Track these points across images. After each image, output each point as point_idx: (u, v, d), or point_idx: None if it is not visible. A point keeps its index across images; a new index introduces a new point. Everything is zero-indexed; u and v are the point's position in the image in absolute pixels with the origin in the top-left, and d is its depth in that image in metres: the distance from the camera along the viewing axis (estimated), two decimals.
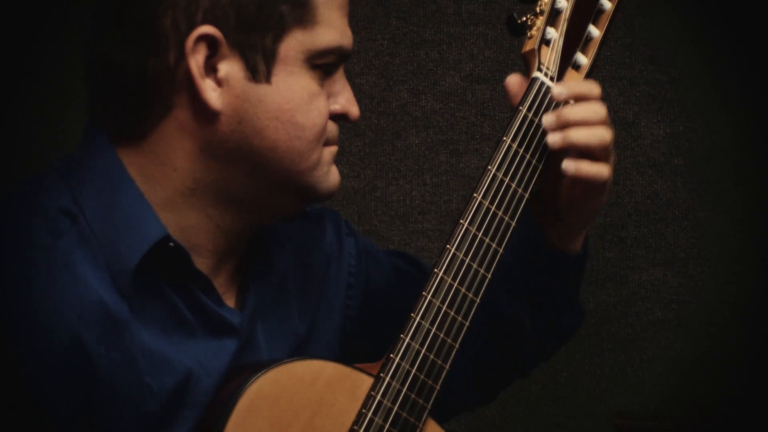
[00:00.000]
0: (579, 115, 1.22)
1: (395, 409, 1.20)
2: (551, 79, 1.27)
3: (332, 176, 1.20)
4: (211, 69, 1.14)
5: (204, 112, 1.14)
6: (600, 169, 1.23)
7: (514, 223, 1.25)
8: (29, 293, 1.09)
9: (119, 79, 1.14)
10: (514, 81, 1.26)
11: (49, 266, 1.11)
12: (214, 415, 1.16)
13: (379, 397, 1.20)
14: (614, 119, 2.04)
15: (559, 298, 1.31)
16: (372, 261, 1.36)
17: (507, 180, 1.25)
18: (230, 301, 1.22)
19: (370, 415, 1.20)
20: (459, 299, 1.22)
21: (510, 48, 2.00)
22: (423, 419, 1.22)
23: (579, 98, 1.23)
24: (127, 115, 1.15)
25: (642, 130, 2.03)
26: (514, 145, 1.25)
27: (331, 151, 1.20)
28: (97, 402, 1.11)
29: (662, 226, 2.02)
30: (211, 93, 1.14)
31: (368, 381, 1.21)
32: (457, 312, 1.22)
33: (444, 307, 1.22)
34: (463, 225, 1.23)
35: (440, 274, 1.23)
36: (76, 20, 1.85)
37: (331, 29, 1.16)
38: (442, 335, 1.22)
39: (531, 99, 1.26)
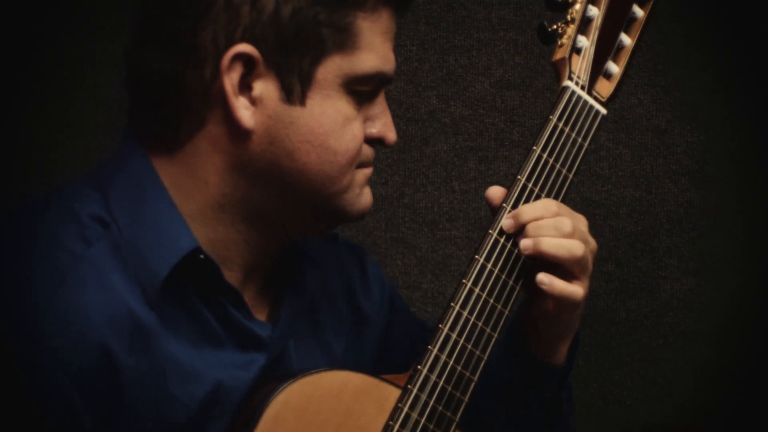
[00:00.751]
0: (545, 229, 1.18)
1: (423, 421, 1.19)
2: (582, 87, 1.26)
3: (363, 198, 1.19)
4: (245, 87, 1.13)
5: (236, 130, 1.14)
6: (575, 290, 1.20)
7: None
8: (59, 301, 1.09)
9: (156, 90, 1.14)
10: (494, 192, 1.22)
11: (79, 274, 1.10)
12: (240, 426, 1.16)
13: (406, 409, 1.19)
14: (647, 126, 2.04)
15: (538, 411, 1.27)
16: (397, 308, 1.36)
17: (537, 190, 1.23)
18: (260, 315, 1.21)
19: (397, 427, 1.19)
20: (488, 310, 1.21)
21: (540, 54, 1.99)
22: (451, 431, 1.20)
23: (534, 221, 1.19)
24: (162, 125, 1.15)
25: (675, 137, 2.01)
26: (544, 155, 1.24)
27: (364, 173, 1.19)
28: (124, 413, 1.11)
29: (695, 235, 2.00)
30: (244, 111, 1.13)
31: (395, 393, 1.20)
32: (486, 324, 1.21)
33: (472, 318, 1.21)
34: (492, 234, 1.22)
35: (468, 284, 1.21)
36: (78, 20, 1.86)
37: (373, 55, 1.15)
38: (470, 347, 1.21)
39: (561, 108, 1.25)
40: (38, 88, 1.88)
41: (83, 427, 1.09)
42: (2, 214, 1.15)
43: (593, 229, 1.99)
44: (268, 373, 1.19)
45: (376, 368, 1.26)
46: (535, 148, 1.24)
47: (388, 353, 1.34)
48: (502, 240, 1.21)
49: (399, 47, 1.99)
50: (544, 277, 1.19)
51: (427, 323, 1.39)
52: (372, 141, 1.18)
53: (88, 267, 1.11)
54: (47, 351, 1.07)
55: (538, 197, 1.24)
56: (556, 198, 1.24)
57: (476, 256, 1.21)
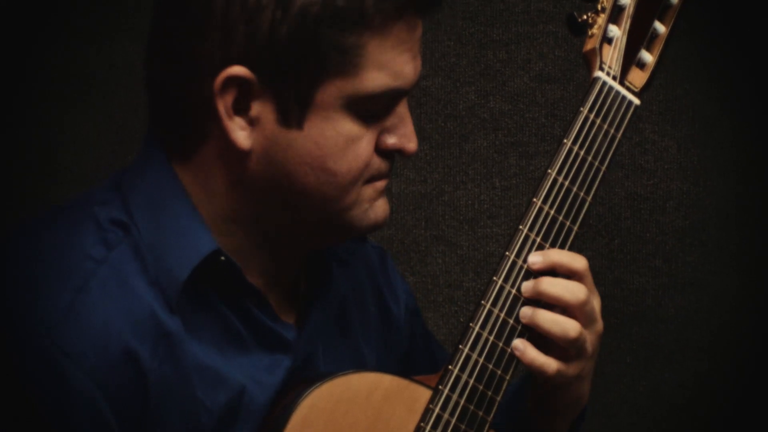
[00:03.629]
0: (555, 292, 1.16)
1: (454, 422, 1.17)
2: (614, 78, 1.23)
3: (373, 212, 1.14)
4: (242, 108, 1.09)
5: (234, 148, 1.11)
6: (545, 362, 1.15)
7: (576, 228, 1.20)
8: (81, 306, 1.08)
9: (165, 98, 1.13)
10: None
11: (101, 279, 1.09)
12: (268, 429, 1.14)
13: (437, 410, 1.17)
14: (694, 117, 1.99)
15: None
16: (418, 315, 1.34)
17: (567, 183, 1.20)
18: (287, 318, 1.19)
19: (428, 429, 1.16)
20: (519, 306, 1.18)
21: (581, 46, 1.95)
22: None
23: (559, 269, 1.17)
24: (173, 132, 1.13)
25: (723, 128, 1.96)
26: (575, 148, 1.21)
27: (375, 187, 1.13)
28: (149, 417, 1.10)
29: (745, 228, 1.95)
30: (239, 132, 1.10)
31: (426, 394, 1.18)
32: (517, 321, 1.19)
33: (503, 315, 1.18)
34: (523, 231, 1.20)
35: (499, 281, 1.19)
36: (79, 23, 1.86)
37: (381, 73, 1.09)
38: (501, 344, 1.18)
39: (593, 100, 1.22)
40: (40, 90, 1.89)
41: (110, 431, 1.08)
42: (24, 220, 1.15)
43: (640, 224, 1.96)
44: (295, 377, 1.18)
45: (401, 373, 1.23)
46: (566, 141, 1.20)
47: (407, 363, 1.32)
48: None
49: (436, 43, 1.97)
50: (518, 343, 1.16)
51: (442, 347, 1.37)
52: (390, 152, 1.14)
53: (110, 271, 1.10)
54: (71, 357, 1.06)
55: (569, 191, 1.20)
56: (588, 191, 1.21)
57: (506, 253, 1.19)
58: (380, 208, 1.15)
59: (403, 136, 1.13)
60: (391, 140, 1.13)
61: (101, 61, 1.89)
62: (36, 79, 1.89)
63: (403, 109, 1.13)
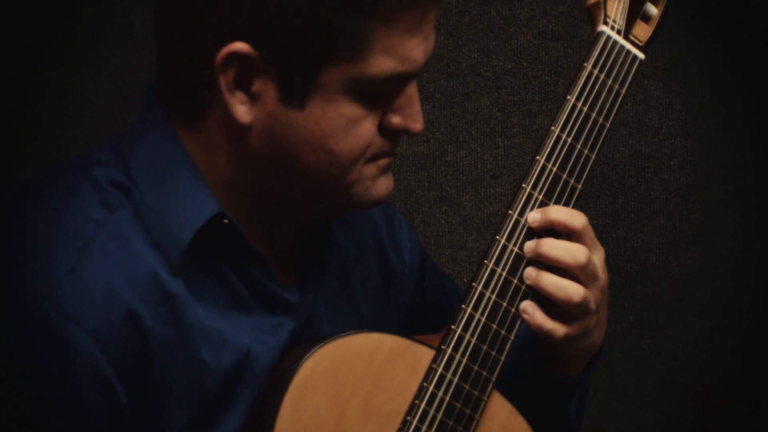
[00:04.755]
0: (555, 254, 1.15)
1: (458, 381, 1.16)
2: (618, 32, 1.21)
3: (375, 190, 1.13)
4: (244, 82, 1.08)
5: (235, 121, 1.09)
6: (553, 327, 1.15)
7: (580, 186, 1.19)
8: (83, 269, 1.07)
9: (174, 58, 1.11)
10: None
11: (103, 241, 1.08)
12: (270, 391, 1.14)
13: (440, 369, 1.16)
14: (699, 74, 1.96)
15: (543, 412, 1.23)
16: (427, 270, 1.33)
17: (571, 140, 1.19)
18: (289, 279, 1.18)
19: (432, 388, 1.16)
20: (523, 265, 1.18)
21: (585, 1, 1.92)
22: (488, 392, 1.17)
23: (557, 227, 1.16)
24: (180, 93, 1.12)
25: (729, 84, 1.94)
26: (579, 104, 1.19)
27: (378, 165, 1.12)
28: (153, 380, 1.09)
29: (750, 186, 1.93)
30: (239, 107, 1.08)
31: (429, 354, 1.17)
32: (521, 280, 1.18)
33: (505, 275, 1.17)
34: (526, 189, 1.18)
35: (502, 240, 1.18)
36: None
37: (388, 58, 1.06)
38: (505, 304, 1.17)
39: (597, 54, 1.20)
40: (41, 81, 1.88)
41: (116, 396, 1.07)
42: (24, 183, 1.14)
43: (644, 183, 1.95)
44: (298, 338, 1.17)
45: (406, 331, 1.22)
46: (569, 97, 1.19)
47: (418, 317, 1.31)
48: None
49: None
50: (527, 306, 1.16)
51: (458, 287, 1.36)
52: (395, 132, 1.12)
53: (112, 234, 1.09)
54: (74, 320, 1.05)
55: (572, 148, 1.19)
56: (592, 148, 1.19)
57: (509, 212, 1.18)
58: (382, 185, 1.13)
59: (409, 116, 1.11)
60: (396, 120, 1.11)
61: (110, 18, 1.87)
62: (44, 40, 1.87)
63: (411, 90, 1.11)
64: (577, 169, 1.19)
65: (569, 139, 1.19)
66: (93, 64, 1.89)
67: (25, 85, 1.89)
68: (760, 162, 1.93)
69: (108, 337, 1.06)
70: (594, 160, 1.20)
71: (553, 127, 1.19)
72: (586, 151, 1.20)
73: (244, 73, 1.07)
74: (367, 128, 1.10)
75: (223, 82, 1.07)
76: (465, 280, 1.95)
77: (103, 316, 1.06)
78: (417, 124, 1.12)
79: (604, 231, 1.93)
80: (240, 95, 1.08)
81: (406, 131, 1.13)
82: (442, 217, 1.96)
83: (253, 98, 1.08)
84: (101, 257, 1.08)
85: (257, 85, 1.08)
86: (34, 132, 1.89)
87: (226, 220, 1.12)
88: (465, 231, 1.96)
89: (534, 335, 1.20)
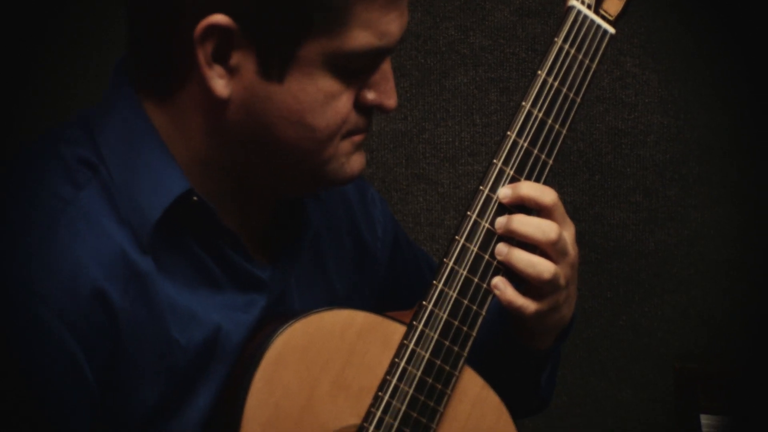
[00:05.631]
0: (525, 231, 1.16)
1: (429, 357, 1.17)
2: (588, 6, 1.21)
3: (350, 166, 1.14)
4: (222, 56, 1.08)
5: (212, 96, 1.09)
6: (524, 304, 1.17)
7: (551, 161, 1.19)
8: (49, 246, 1.07)
9: (148, 33, 1.10)
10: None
11: (70, 219, 1.08)
12: (241, 368, 1.14)
13: (412, 345, 1.17)
14: (675, 50, 1.96)
15: (513, 383, 1.24)
16: (400, 245, 1.33)
17: (542, 116, 1.19)
18: (261, 256, 1.18)
19: (403, 364, 1.16)
20: (494, 241, 1.18)
21: None
22: (459, 367, 1.18)
23: (528, 203, 1.17)
24: (153, 72, 1.11)
25: (704, 60, 1.94)
26: (550, 79, 1.19)
27: (353, 141, 1.13)
28: (122, 358, 1.09)
29: (726, 162, 1.93)
30: (218, 81, 1.08)
31: (401, 329, 1.17)
32: (492, 256, 1.18)
33: (477, 251, 1.18)
34: (497, 164, 1.18)
35: (473, 216, 1.18)
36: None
37: (366, 32, 1.07)
38: (476, 280, 1.17)
39: (567, 29, 1.20)
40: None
41: (83, 374, 1.07)
42: None
43: (620, 159, 1.95)
44: (270, 315, 1.17)
45: (380, 307, 1.23)
46: (539, 72, 1.19)
47: (393, 292, 1.31)
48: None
49: None
50: (498, 282, 1.17)
51: (434, 262, 1.36)
52: (369, 108, 1.13)
53: (79, 211, 1.08)
54: (40, 298, 1.05)
55: (543, 123, 1.19)
56: (563, 123, 1.20)
57: (480, 187, 1.18)
58: (356, 162, 1.14)
59: (383, 92, 1.12)
60: (370, 96, 1.12)
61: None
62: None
63: (386, 66, 1.12)
64: (549, 145, 1.19)
65: (540, 115, 1.19)
66: (93, 66, 1.88)
67: (24, 86, 1.88)
68: (736, 138, 1.94)
69: (74, 315, 1.06)
70: (565, 136, 1.20)
71: (524, 103, 1.19)
72: (557, 127, 1.20)
73: (222, 47, 1.07)
74: (343, 103, 1.10)
75: (202, 55, 1.07)
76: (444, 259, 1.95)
77: (69, 295, 1.06)
78: (391, 101, 1.13)
79: (580, 208, 1.94)
80: (218, 69, 1.08)
81: (380, 107, 1.13)
82: (420, 195, 1.96)
83: (231, 72, 1.08)
84: (68, 235, 1.07)
85: (236, 59, 1.07)
86: (34, 132, 1.88)
87: (195, 198, 1.11)
88: (443, 209, 1.96)
89: (504, 310, 1.20)
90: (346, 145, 1.13)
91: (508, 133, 1.19)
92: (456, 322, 1.17)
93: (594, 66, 1.21)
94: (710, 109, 1.94)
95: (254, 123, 1.10)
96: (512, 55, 1.95)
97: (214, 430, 1.14)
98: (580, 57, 1.20)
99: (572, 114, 1.20)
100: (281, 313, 1.17)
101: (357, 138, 1.13)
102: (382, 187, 1.95)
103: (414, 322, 1.17)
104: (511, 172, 1.19)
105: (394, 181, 1.95)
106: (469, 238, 1.18)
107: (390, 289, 1.32)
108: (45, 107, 1.90)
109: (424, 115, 1.95)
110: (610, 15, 1.22)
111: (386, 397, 1.16)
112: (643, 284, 1.94)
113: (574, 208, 1.92)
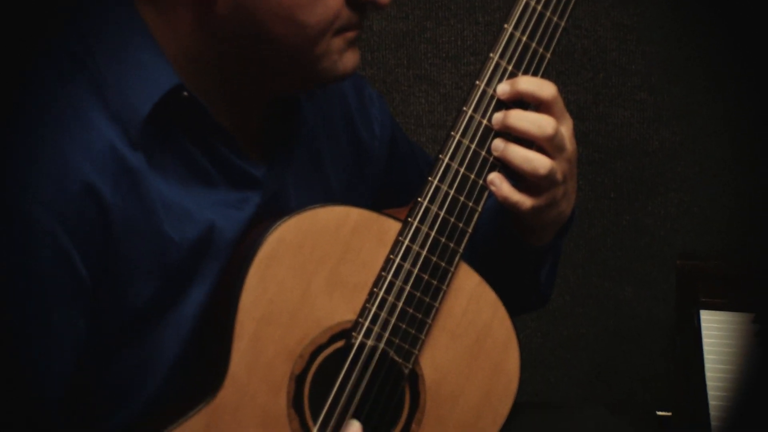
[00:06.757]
0: (522, 126, 1.14)
1: (425, 253, 1.16)
2: None
3: (343, 63, 1.12)
4: None
5: None
6: (519, 199, 1.15)
7: (549, 55, 1.17)
8: (37, 141, 1.06)
9: None
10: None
11: (57, 111, 1.07)
12: (235, 265, 1.14)
13: (407, 241, 1.16)
14: None
15: (512, 277, 1.24)
16: (398, 142, 1.32)
17: (540, 8, 1.17)
18: (256, 155, 1.17)
19: (398, 260, 1.16)
20: (490, 138, 1.16)
21: None
22: (455, 263, 1.17)
23: (526, 97, 1.14)
24: None
25: None
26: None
27: (345, 38, 1.11)
28: (114, 253, 1.09)
29: (737, 57, 1.89)
30: None
31: (396, 226, 1.17)
32: (488, 152, 1.17)
33: (473, 147, 1.16)
34: (494, 59, 1.17)
35: (469, 111, 1.16)
36: None
37: None
38: (472, 176, 1.17)
39: None
40: None
41: (76, 268, 1.07)
42: None
43: (626, 56, 1.91)
44: (265, 213, 1.16)
45: (378, 205, 1.22)
46: (506, 26, 1.16)
47: (392, 189, 1.31)
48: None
49: None
50: (494, 178, 1.16)
51: (432, 159, 1.35)
52: (361, 4, 1.11)
53: (65, 104, 1.07)
54: (27, 190, 1.04)
55: (541, 15, 1.17)
56: (562, 14, 1.18)
57: (476, 82, 1.16)
58: (349, 59, 1.13)
59: None
60: None
61: None
62: None
63: None
64: (546, 38, 1.17)
65: (538, 7, 1.17)
66: None
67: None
68: (743, 34, 1.90)
69: (64, 208, 1.05)
70: (564, 27, 1.17)
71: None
72: (555, 19, 1.17)
73: None
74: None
75: None
76: None
77: (58, 188, 1.05)
78: None
79: (584, 107, 1.91)
80: None
81: (373, 3, 1.11)
82: (422, 96, 1.94)
83: None
84: (54, 128, 1.06)
85: None
86: None
87: (186, 93, 1.10)
88: (445, 110, 1.94)
89: (503, 207, 1.19)
90: (338, 42, 1.11)
91: (505, 26, 1.17)
92: (451, 218, 1.17)
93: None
94: (721, 6, 1.89)
95: (245, 20, 1.08)
96: None
97: (210, 328, 1.14)
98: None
99: (571, 4, 1.18)
100: (276, 210, 1.17)
101: (349, 34, 1.12)
102: (383, 88, 1.93)
103: (409, 219, 1.16)
104: (509, 67, 1.17)
105: (395, 82, 1.93)
106: (465, 134, 1.17)
107: (388, 187, 1.31)
108: None
109: (425, 13, 1.91)
110: None
111: (381, 293, 1.16)
112: (646, 183, 1.92)
113: (578, 107, 1.90)
